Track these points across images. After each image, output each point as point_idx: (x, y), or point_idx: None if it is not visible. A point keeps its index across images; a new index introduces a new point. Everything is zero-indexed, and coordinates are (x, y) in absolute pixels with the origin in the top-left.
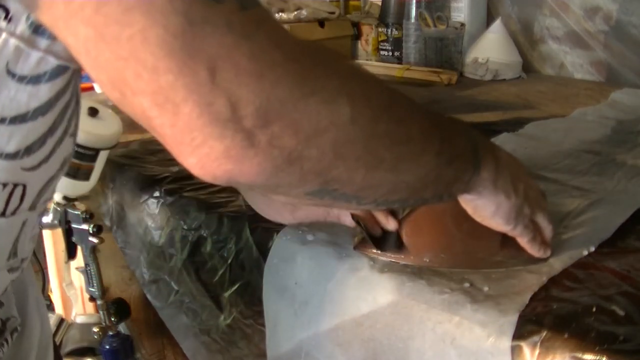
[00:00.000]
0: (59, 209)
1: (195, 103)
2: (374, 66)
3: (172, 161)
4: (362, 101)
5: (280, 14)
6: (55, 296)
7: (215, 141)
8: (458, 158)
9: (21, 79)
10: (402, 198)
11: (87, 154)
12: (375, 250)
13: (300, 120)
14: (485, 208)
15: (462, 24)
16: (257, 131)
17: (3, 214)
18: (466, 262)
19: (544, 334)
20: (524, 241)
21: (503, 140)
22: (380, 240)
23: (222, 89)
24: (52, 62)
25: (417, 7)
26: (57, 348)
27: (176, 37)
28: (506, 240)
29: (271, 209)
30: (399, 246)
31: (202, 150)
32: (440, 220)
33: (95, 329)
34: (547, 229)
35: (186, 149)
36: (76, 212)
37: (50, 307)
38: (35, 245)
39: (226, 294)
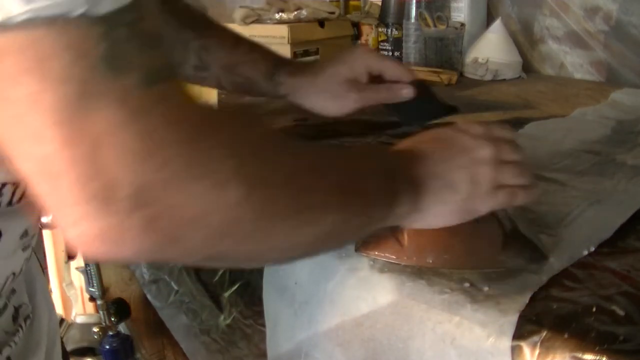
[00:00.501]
0: None
1: (74, 178)
2: None
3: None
4: (256, 183)
5: (280, 14)
6: (55, 296)
7: (91, 221)
8: (367, 206)
9: None
10: (303, 255)
11: None
12: (377, 252)
13: (184, 204)
14: (429, 225)
15: (462, 24)
16: (135, 214)
17: (10, 203)
18: (469, 262)
19: (544, 334)
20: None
21: None
22: (382, 241)
23: (102, 167)
24: None
25: (417, 7)
26: (65, 351)
27: (66, 108)
28: (508, 239)
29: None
30: (401, 247)
31: (79, 228)
32: None
33: (95, 329)
34: (519, 179)
35: (65, 222)
36: None
37: None
38: (36, 246)
39: (226, 294)
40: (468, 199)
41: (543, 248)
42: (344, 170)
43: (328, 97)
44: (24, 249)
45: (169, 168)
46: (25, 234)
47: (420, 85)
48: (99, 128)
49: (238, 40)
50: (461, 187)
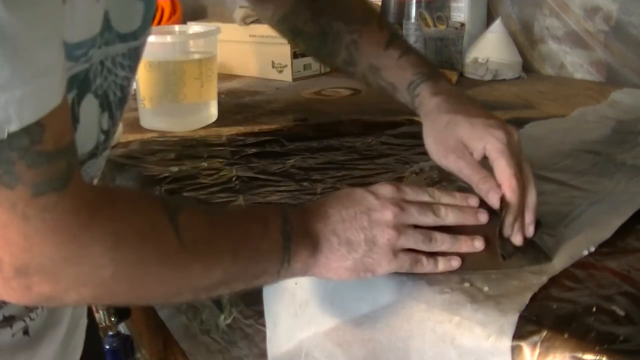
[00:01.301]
0: None
1: None
2: None
3: (172, 161)
4: (130, 265)
5: None
6: None
7: None
8: (258, 263)
9: None
10: (184, 300)
11: None
12: None
13: (60, 277)
14: (328, 278)
15: (462, 24)
16: (16, 280)
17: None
18: (473, 264)
19: (544, 334)
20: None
21: None
22: None
23: None
24: None
25: (417, 7)
26: (95, 322)
27: None
28: (511, 240)
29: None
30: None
31: None
32: None
33: None
34: (425, 245)
35: None
36: None
37: None
38: None
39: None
40: (364, 258)
41: (546, 249)
42: (237, 236)
43: (438, 145)
44: (103, 152)
45: (45, 255)
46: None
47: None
48: None
49: (390, 42)
50: (357, 246)
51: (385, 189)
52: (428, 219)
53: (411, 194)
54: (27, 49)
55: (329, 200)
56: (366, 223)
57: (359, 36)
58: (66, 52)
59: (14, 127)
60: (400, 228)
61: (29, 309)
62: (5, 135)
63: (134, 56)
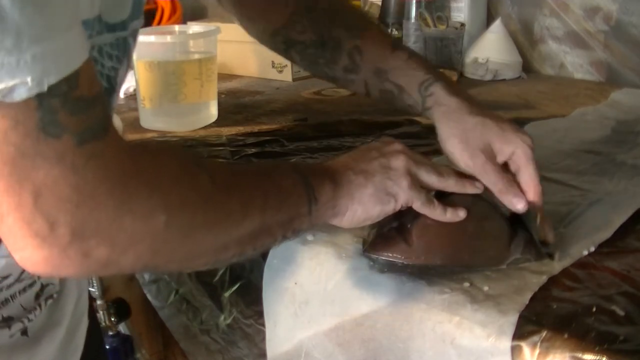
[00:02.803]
0: None
1: (17, 218)
2: None
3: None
4: (178, 209)
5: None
6: None
7: (34, 250)
8: (286, 201)
9: None
10: (232, 256)
11: None
12: (385, 253)
13: (116, 236)
14: (354, 216)
15: (462, 24)
16: (73, 246)
17: None
18: (477, 260)
19: (544, 334)
20: (420, 209)
21: None
22: (390, 242)
23: (42, 212)
24: None
25: (417, 7)
26: (97, 323)
27: (6, 165)
28: (515, 237)
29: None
30: (409, 247)
31: (24, 254)
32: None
33: None
34: (434, 181)
35: (11, 247)
36: None
37: None
38: None
39: (226, 294)
40: (384, 181)
41: (548, 251)
42: (259, 178)
43: (464, 145)
44: None
45: (100, 211)
46: None
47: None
48: (38, 181)
49: (396, 45)
50: (374, 171)
51: (391, 143)
52: (432, 178)
53: (416, 155)
54: (56, 3)
55: (338, 156)
56: (376, 154)
57: (363, 41)
58: None
59: (53, 78)
60: (411, 157)
61: (28, 310)
62: (45, 87)
63: (123, 46)
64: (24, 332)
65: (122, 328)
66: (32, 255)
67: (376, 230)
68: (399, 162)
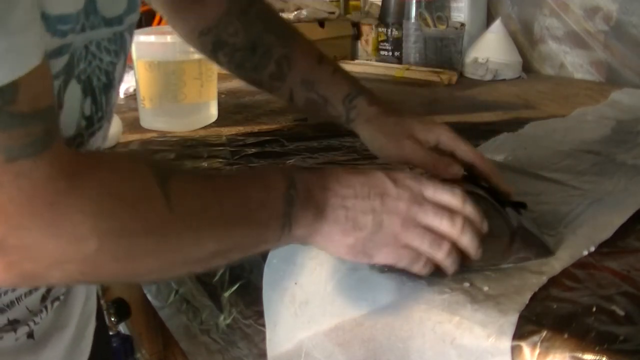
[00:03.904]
0: None
1: None
2: (374, 66)
3: (172, 161)
4: (114, 236)
5: (280, 14)
6: None
7: None
8: (255, 232)
9: None
10: (180, 275)
11: None
12: None
13: (40, 255)
14: (328, 251)
15: (462, 24)
16: None
17: None
18: (479, 260)
19: (544, 334)
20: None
21: (503, 140)
22: None
23: None
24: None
25: (417, 7)
26: (104, 324)
27: None
28: (515, 236)
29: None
30: None
31: None
32: None
33: None
34: (432, 250)
35: None
36: None
37: None
38: None
39: (226, 294)
40: (367, 241)
41: (549, 244)
42: (228, 206)
43: (390, 138)
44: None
45: (22, 230)
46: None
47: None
48: None
49: (322, 58)
50: (364, 226)
51: (407, 179)
52: (442, 226)
53: (432, 191)
54: None
55: (347, 172)
56: (378, 206)
57: (292, 50)
58: (49, 25)
59: None
60: (410, 222)
61: (34, 313)
62: None
63: (120, 41)
64: (30, 335)
65: (122, 328)
66: None
67: None
68: (392, 226)
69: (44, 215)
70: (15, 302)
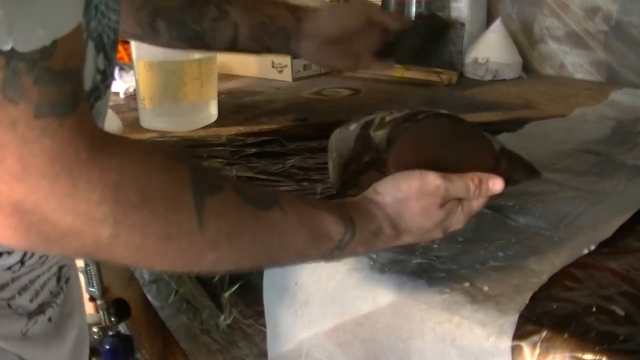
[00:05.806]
0: None
1: None
2: None
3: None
4: (131, 232)
5: None
6: None
7: None
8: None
9: None
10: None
11: None
12: (360, 192)
13: (57, 221)
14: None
15: (462, 24)
16: (12, 218)
17: None
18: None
19: (544, 334)
20: None
21: (503, 141)
22: (365, 179)
23: None
24: None
25: (417, 7)
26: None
27: None
28: (501, 159)
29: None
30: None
31: None
32: (429, 145)
33: (95, 329)
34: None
35: None
36: None
37: None
38: None
39: (226, 294)
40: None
41: (534, 165)
42: (266, 243)
43: (330, 41)
44: None
45: (39, 195)
46: None
47: (433, 23)
48: None
49: None
50: (405, 239)
51: (464, 203)
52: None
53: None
54: None
55: (405, 202)
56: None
57: None
58: None
59: (28, 45)
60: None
61: (54, 295)
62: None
63: (120, 0)
64: (49, 319)
65: (122, 328)
66: None
67: (343, 168)
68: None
69: (62, 184)
70: (44, 286)
